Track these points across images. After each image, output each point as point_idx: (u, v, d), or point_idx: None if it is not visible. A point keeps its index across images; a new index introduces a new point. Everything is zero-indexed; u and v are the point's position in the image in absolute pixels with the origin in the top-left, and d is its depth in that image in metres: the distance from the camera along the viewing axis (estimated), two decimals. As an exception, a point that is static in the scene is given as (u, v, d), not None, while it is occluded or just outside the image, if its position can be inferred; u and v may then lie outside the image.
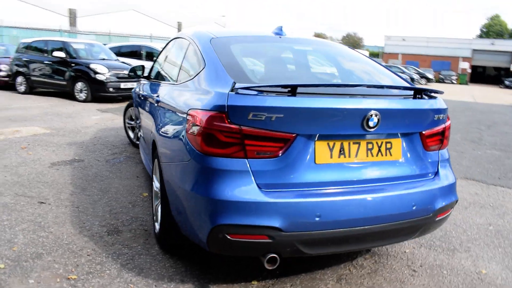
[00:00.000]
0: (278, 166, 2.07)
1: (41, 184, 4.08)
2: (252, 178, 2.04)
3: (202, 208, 2.09)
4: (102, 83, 10.68)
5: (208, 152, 2.07)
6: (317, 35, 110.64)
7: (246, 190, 2.01)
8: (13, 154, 5.16)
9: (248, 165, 2.04)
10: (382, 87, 2.52)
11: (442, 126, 2.51)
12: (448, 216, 2.60)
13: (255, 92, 2.07)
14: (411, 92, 2.46)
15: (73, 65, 10.97)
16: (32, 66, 11.67)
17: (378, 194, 2.20)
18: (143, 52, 13.34)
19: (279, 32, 3.10)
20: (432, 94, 2.56)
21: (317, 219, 2.03)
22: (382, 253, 3.02)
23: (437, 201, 2.40)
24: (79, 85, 10.89)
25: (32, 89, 11.99)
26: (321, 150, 2.14)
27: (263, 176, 2.05)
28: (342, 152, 2.18)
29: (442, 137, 2.53)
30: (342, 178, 2.18)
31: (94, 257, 2.72)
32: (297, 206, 2.02)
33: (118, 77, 10.81)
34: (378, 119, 2.14)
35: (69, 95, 11.20)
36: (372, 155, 2.26)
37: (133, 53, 13.51)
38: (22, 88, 11.93)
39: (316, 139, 2.13)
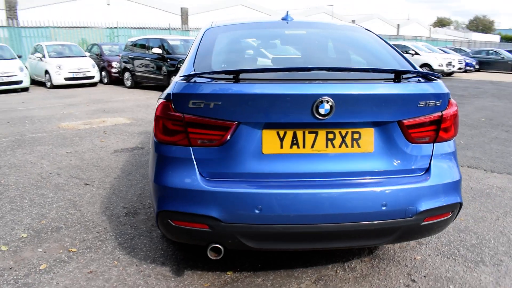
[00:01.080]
0: (222, 155, 2.04)
1: (96, 168, 4.59)
2: (195, 166, 2.04)
3: (153, 194, 2.17)
4: (192, 77, 11.41)
5: (161, 139, 2.13)
6: (440, 20, 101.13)
7: (188, 178, 2.03)
8: (89, 141, 5.87)
9: (192, 153, 2.05)
10: (350, 70, 2.25)
11: (436, 114, 2.13)
12: (447, 221, 2.24)
13: (207, 80, 2.07)
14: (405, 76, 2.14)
15: (169, 60, 11.91)
16: (136, 62, 13.00)
17: (337, 189, 2.01)
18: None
19: (285, 18, 3.00)
20: (431, 77, 2.22)
21: (257, 211, 1.95)
22: (386, 257, 2.74)
23: (424, 202, 2.07)
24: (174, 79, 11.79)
25: (137, 84, 13.37)
26: (269, 139, 2.03)
27: (206, 165, 2.04)
28: (295, 142, 2.03)
29: (437, 127, 2.15)
30: (294, 170, 2.04)
31: (101, 235, 3.00)
32: (236, 197, 1.97)
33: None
34: (331, 106, 1.94)
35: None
36: (334, 147, 2.05)
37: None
38: (128, 83, 13.39)
39: (263, 127, 2.02)
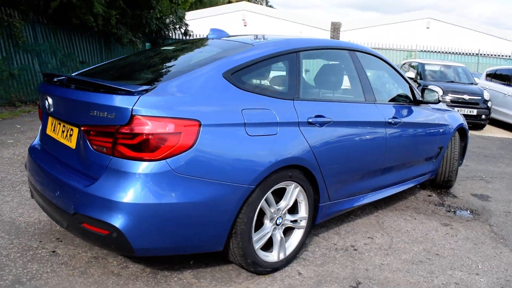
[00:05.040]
0: (40, 129, 2.93)
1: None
2: (39, 135, 2.97)
3: None
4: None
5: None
6: None
7: (35, 141, 3.01)
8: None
9: (40, 126, 2.97)
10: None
11: (110, 127, 2.12)
12: (105, 239, 2.14)
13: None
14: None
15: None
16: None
17: (51, 168, 2.51)
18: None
19: (208, 35, 3.35)
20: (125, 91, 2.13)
21: (28, 172, 2.83)
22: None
23: (82, 207, 2.19)
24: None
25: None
26: (49, 124, 2.72)
27: (39, 135, 2.96)
28: (54, 128, 2.63)
29: (113, 141, 2.11)
30: (49, 148, 2.73)
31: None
32: (28, 157, 2.86)
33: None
34: (48, 103, 2.54)
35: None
36: (63, 137, 2.52)
37: (506, 77, 11.56)
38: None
39: (49, 115, 2.71)
